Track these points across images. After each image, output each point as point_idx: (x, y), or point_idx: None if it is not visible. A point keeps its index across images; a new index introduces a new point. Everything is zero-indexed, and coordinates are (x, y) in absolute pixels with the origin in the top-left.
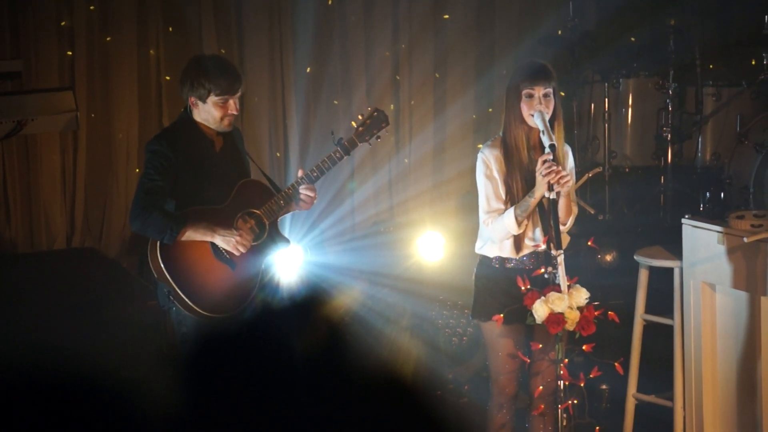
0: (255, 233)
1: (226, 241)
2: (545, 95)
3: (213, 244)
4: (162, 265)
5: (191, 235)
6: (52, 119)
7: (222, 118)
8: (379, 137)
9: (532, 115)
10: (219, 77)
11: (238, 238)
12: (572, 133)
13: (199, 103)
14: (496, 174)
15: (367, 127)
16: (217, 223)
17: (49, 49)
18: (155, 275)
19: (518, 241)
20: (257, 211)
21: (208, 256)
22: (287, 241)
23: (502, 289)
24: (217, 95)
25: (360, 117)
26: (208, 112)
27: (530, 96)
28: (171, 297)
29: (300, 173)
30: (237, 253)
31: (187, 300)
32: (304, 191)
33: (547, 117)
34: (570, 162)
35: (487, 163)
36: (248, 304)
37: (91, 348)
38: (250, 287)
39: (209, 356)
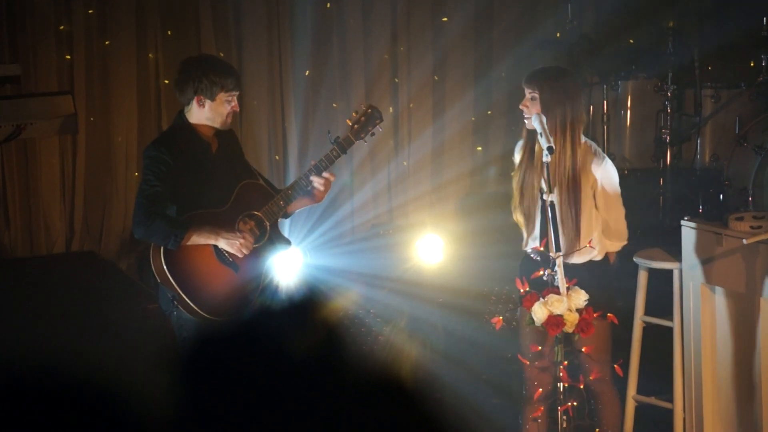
0: (256, 235)
1: (229, 244)
2: (531, 98)
3: (216, 248)
4: (166, 270)
5: (195, 239)
6: (51, 123)
7: (227, 116)
8: (374, 134)
9: (529, 118)
10: (227, 74)
11: (242, 240)
12: None
13: (207, 101)
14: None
15: (362, 125)
16: (219, 226)
17: (47, 53)
18: (158, 279)
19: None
20: (258, 213)
21: (212, 260)
22: (288, 242)
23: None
24: (226, 92)
25: (354, 114)
26: (215, 111)
27: (523, 96)
28: (175, 301)
29: (313, 163)
30: (240, 255)
31: (191, 304)
32: (317, 180)
33: (545, 119)
34: (597, 168)
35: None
36: (251, 306)
37: (91, 351)
38: (253, 289)
39: (208, 358)
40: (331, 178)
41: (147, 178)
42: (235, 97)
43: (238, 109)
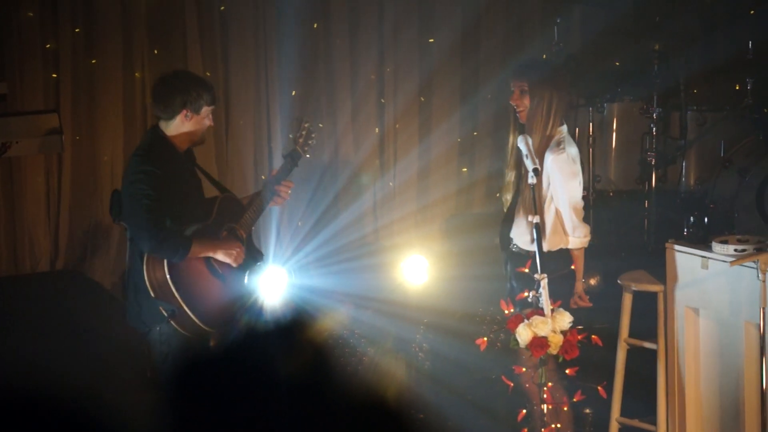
0: None
1: (227, 255)
2: (521, 90)
3: (207, 260)
4: (170, 283)
5: (198, 251)
6: (36, 141)
7: (206, 129)
8: (312, 148)
9: (523, 111)
10: (209, 88)
11: (237, 250)
12: None
13: (194, 115)
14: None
15: (305, 139)
16: (214, 238)
17: (34, 71)
18: (154, 294)
19: None
20: (236, 226)
21: (205, 272)
22: (262, 253)
23: None
24: (208, 105)
25: (295, 129)
26: (198, 124)
27: (512, 91)
28: (169, 315)
29: (274, 173)
30: (235, 265)
31: (192, 317)
32: (284, 190)
33: (530, 141)
34: (549, 154)
35: None
36: (238, 321)
37: (75, 371)
38: (238, 299)
39: (195, 379)
40: (292, 185)
41: (147, 193)
42: (211, 113)
43: (213, 124)
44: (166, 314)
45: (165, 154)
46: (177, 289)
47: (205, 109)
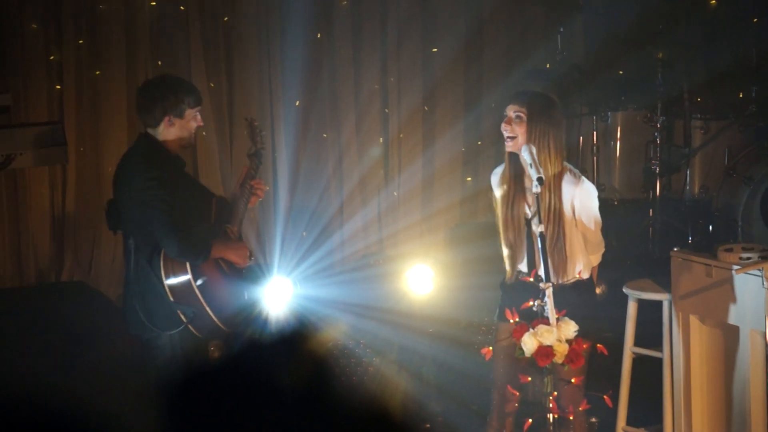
0: None
1: (238, 255)
2: (516, 116)
3: (216, 261)
4: (195, 286)
5: (215, 253)
6: (41, 153)
7: (195, 131)
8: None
9: (513, 137)
10: (190, 91)
11: (246, 250)
12: None
13: (177, 120)
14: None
15: (255, 135)
16: (223, 239)
17: (38, 83)
18: (173, 298)
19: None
20: (229, 226)
21: (217, 272)
22: (253, 254)
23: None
24: (192, 108)
25: (250, 130)
26: (184, 128)
27: (504, 116)
28: (189, 319)
29: (245, 171)
30: (244, 264)
31: (213, 317)
32: (261, 187)
33: (534, 150)
34: (574, 187)
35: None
36: (243, 327)
37: (80, 383)
38: (243, 298)
39: (198, 389)
40: (264, 184)
41: (163, 198)
42: (199, 113)
43: (202, 123)
44: (185, 319)
45: (163, 159)
46: (200, 291)
47: (189, 112)
